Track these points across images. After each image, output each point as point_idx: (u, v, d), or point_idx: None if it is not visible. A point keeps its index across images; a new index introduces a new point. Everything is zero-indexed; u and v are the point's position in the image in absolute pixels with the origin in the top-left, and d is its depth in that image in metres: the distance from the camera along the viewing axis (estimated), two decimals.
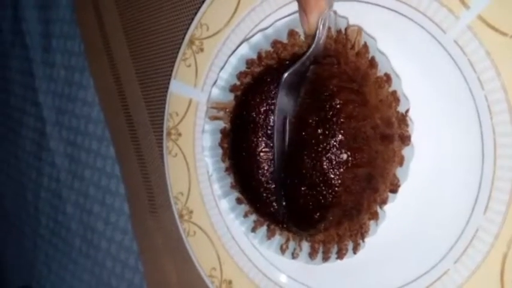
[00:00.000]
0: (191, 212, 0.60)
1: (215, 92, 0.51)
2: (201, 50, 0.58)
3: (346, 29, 0.43)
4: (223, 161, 0.53)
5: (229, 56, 0.51)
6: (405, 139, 0.42)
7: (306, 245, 0.48)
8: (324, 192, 0.43)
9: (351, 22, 0.44)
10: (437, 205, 0.44)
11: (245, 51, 0.50)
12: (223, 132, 0.53)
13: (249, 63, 0.50)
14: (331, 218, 0.44)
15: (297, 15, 0.46)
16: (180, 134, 0.61)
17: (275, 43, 0.48)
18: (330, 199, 0.42)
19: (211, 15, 0.56)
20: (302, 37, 0.46)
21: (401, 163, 0.42)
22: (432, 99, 0.43)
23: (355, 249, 0.44)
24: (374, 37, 0.44)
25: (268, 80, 0.47)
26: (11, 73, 0.99)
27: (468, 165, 0.42)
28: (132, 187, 0.74)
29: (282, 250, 0.49)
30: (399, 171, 0.42)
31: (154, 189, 0.70)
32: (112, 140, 0.76)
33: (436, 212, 0.44)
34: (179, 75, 0.60)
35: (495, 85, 0.40)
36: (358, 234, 0.45)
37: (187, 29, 0.58)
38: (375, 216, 0.44)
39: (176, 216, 0.61)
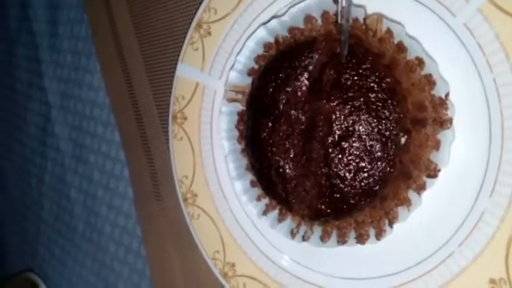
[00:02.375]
0: (195, 195, 0.60)
1: (233, 75, 0.51)
2: (209, 33, 0.58)
3: (364, 19, 0.43)
4: (239, 143, 0.53)
5: (247, 40, 0.51)
6: (444, 122, 0.42)
7: (317, 229, 0.48)
8: (361, 181, 0.43)
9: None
10: (442, 188, 0.44)
11: (263, 34, 0.50)
12: (240, 114, 0.53)
13: (267, 46, 0.50)
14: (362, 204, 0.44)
15: (311, 1, 0.45)
16: (185, 118, 0.61)
17: (292, 30, 0.48)
18: (367, 187, 0.43)
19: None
20: (319, 21, 0.46)
21: (437, 147, 0.42)
22: None
23: (379, 235, 0.44)
24: (400, 22, 0.43)
25: (286, 63, 0.46)
26: (17, 59, 0.99)
27: (474, 148, 0.42)
28: (136, 171, 0.74)
29: (293, 234, 0.49)
30: (436, 156, 0.42)
31: (159, 173, 0.70)
32: (117, 125, 0.76)
33: (440, 195, 0.44)
34: (186, 58, 0.60)
35: (504, 68, 0.40)
36: (383, 221, 0.45)
37: (195, 12, 0.58)
38: (405, 202, 0.43)
39: (180, 199, 0.61)
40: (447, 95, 0.42)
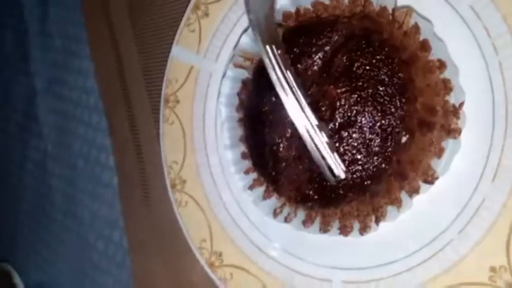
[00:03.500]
0: (184, 181, 0.58)
1: (244, 39, 0.49)
2: (206, 15, 0.57)
3: (393, 10, 0.42)
4: (237, 111, 0.51)
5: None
6: (452, 131, 0.41)
7: (301, 213, 0.47)
8: (353, 173, 0.41)
9: None
10: (442, 174, 0.42)
11: (284, 2, 0.47)
12: (244, 82, 0.51)
13: (286, 16, 0.47)
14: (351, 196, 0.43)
15: None
16: (178, 101, 0.59)
17: (316, 4, 0.46)
18: (358, 180, 0.41)
19: None
20: (346, 0, 0.45)
21: (439, 155, 0.41)
22: None
23: (362, 231, 0.43)
24: (430, 20, 0.42)
25: (302, 39, 0.44)
26: (5, 43, 0.97)
27: (478, 132, 0.41)
28: (122, 159, 0.71)
29: (275, 214, 0.48)
30: (436, 163, 0.41)
31: (146, 161, 0.68)
32: (105, 111, 0.74)
33: (440, 181, 0.42)
34: (182, 40, 0.58)
35: (510, 50, 0.39)
36: (370, 217, 0.43)
37: None
38: (396, 202, 0.42)
39: (168, 186, 0.59)
40: (461, 104, 0.41)
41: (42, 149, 0.86)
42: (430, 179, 0.41)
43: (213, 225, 0.56)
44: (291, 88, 0.40)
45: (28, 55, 0.88)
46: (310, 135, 0.40)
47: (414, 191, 0.41)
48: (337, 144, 0.41)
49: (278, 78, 0.40)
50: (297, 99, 0.40)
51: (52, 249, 0.85)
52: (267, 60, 0.41)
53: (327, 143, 0.40)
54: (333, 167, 0.40)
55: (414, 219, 0.43)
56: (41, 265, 0.88)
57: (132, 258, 0.69)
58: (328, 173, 0.40)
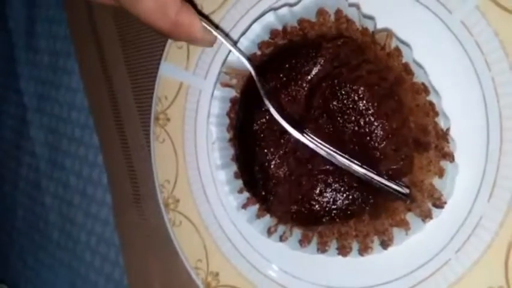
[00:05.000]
0: (177, 200, 0.57)
1: (232, 57, 0.48)
2: None
3: (373, 32, 0.41)
4: (228, 131, 0.50)
5: (253, 22, 0.48)
6: (446, 155, 0.40)
7: (297, 232, 0.46)
8: (334, 202, 0.42)
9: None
10: (448, 197, 0.41)
11: (271, 20, 0.46)
12: (232, 101, 0.50)
13: (274, 34, 0.47)
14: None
15: None
16: (168, 119, 0.58)
17: (302, 22, 0.45)
18: (337, 210, 0.42)
19: None
20: (332, 17, 0.44)
21: (440, 174, 0.40)
22: (436, 82, 0.41)
23: (363, 251, 0.42)
24: (409, 44, 0.42)
25: (289, 61, 0.43)
26: None
27: (472, 150, 0.40)
28: (115, 176, 0.70)
29: (270, 232, 0.47)
30: (439, 183, 0.40)
31: (139, 178, 0.67)
32: (96, 128, 0.73)
33: None
34: (170, 57, 0.57)
35: (503, 66, 0.38)
36: (370, 237, 0.43)
37: None
38: (402, 225, 0.41)
39: (161, 205, 0.58)
40: (448, 129, 0.40)
41: (35, 166, 0.85)
42: (439, 203, 0.40)
43: (208, 244, 0.55)
44: None
45: (16, 72, 0.86)
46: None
47: (426, 216, 0.40)
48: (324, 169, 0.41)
49: None
50: None
51: (47, 267, 0.84)
52: None
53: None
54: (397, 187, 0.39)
55: (411, 239, 0.42)
56: (36, 284, 0.87)
57: (128, 275, 0.69)
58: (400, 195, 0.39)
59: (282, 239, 0.47)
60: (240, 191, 0.49)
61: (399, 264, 0.43)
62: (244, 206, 0.49)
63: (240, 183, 0.49)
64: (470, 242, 0.40)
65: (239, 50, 0.46)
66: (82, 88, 0.75)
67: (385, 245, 0.42)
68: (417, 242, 0.42)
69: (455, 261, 0.41)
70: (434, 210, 0.40)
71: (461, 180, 0.40)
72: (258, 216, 0.48)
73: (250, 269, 0.52)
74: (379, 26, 0.43)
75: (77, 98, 0.76)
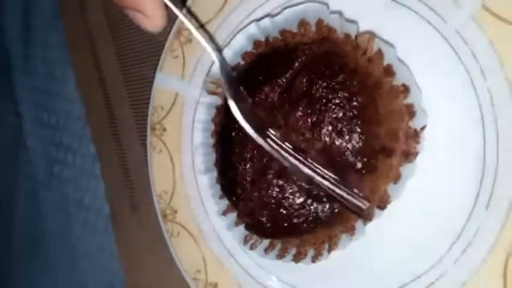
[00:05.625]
0: (175, 211, 0.57)
1: (215, 67, 0.48)
2: (189, 40, 0.56)
3: (356, 36, 0.41)
4: (212, 137, 0.51)
5: (237, 33, 0.48)
6: (410, 155, 0.40)
7: (265, 240, 0.47)
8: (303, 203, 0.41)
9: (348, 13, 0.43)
10: (436, 203, 0.42)
11: (254, 31, 0.47)
12: (218, 108, 0.50)
13: (256, 44, 0.47)
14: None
15: (308, 4, 0.43)
16: (165, 129, 0.58)
17: (283, 32, 0.45)
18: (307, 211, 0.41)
19: (201, 5, 0.54)
20: (313, 28, 0.44)
21: (396, 180, 0.40)
22: (431, 92, 0.41)
23: (315, 258, 0.43)
24: (393, 44, 0.42)
25: (265, 67, 0.44)
26: None
27: (469, 161, 0.40)
28: (112, 186, 0.70)
29: (246, 240, 0.48)
30: (392, 188, 0.40)
31: (136, 188, 0.67)
32: (92, 137, 0.73)
33: (434, 210, 0.42)
34: (165, 67, 0.57)
35: (499, 76, 0.38)
36: (323, 245, 0.43)
37: (175, 19, 0.56)
38: (350, 230, 0.41)
39: (159, 216, 0.58)
40: (423, 128, 0.40)
41: (32, 176, 0.84)
42: (383, 205, 0.40)
43: (206, 255, 0.55)
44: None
45: (12, 81, 0.86)
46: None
47: (368, 219, 0.40)
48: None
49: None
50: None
51: (45, 278, 0.84)
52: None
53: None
54: (358, 203, 0.39)
55: (409, 249, 0.42)
56: None
57: (127, 285, 0.68)
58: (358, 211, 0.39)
59: (251, 247, 0.47)
60: (221, 197, 0.49)
61: (398, 274, 0.43)
62: (224, 213, 0.49)
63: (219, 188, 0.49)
64: (468, 253, 0.40)
65: (212, 44, 0.46)
66: (78, 97, 0.74)
67: (330, 249, 0.42)
68: (415, 252, 0.42)
69: (453, 271, 0.40)
70: (377, 212, 0.40)
71: (458, 189, 0.40)
72: (237, 223, 0.48)
73: (250, 281, 0.52)
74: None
75: (74, 107, 0.76)
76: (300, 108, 0.40)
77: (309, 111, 0.40)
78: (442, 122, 0.41)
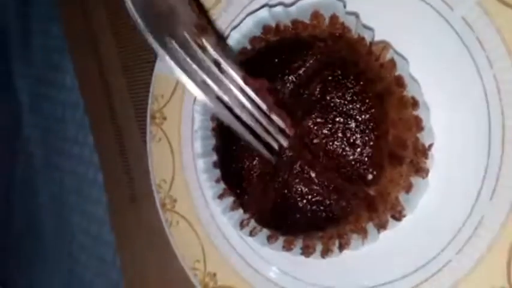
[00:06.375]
0: (175, 200, 0.57)
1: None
2: None
3: (370, 43, 0.41)
4: (211, 120, 0.50)
5: (247, 16, 0.47)
6: (420, 171, 0.40)
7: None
8: (312, 211, 0.40)
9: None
10: (439, 193, 0.41)
11: (264, 15, 0.46)
12: None
13: (266, 29, 0.46)
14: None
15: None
16: (165, 118, 0.57)
17: (295, 22, 0.44)
18: (314, 220, 0.41)
19: None
20: (327, 21, 0.43)
21: (408, 189, 0.40)
22: (437, 79, 0.41)
23: (324, 253, 0.43)
24: (406, 59, 0.41)
25: (278, 57, 0.42)
26: None
27: (474, 148, 0.39)
28: (111, 176, 0.69)
29: (242, 225, 0.47)
30: (405, 198, 0.40)
31: (135, 177, 0.66)
32: (91, 127, 0.72)
33: (437, 200, 0.41)
34: None
35: (505, 63, 0.38)
36: (332, 240, 0.43)
37: None
38: (362, 232, 0.41)
39: (158, 205, 0.57)
40: (430, 145, 0.40)
41: (30, 165, 0.84)
42: (398, 216, 0.40)
43: (205, 245, 0.54)
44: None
45: (11, 70, 0.85)
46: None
47: (382, 226, 0.41)
48: (301, 177, 0.40)
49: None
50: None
51: (43, 268, 0.83)
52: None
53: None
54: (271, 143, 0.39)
55: (411, 240, 0.42)
56: (31, 283, 0.86)
57: (125, 276, 0.68)
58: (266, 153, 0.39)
59: (252, 234, 0.47)
60: (217, 181, 0.49)
61: (400, 264, 0.43)
62: (220, 197, 0.49)
63: (217, 173, 0.49)
64: (471, 243, 0.39)
65: None
66: (77, 86, 0.74)
67: (341, 247, 0.42)
68: (418, 243, 0.42)
69: (456, 262, 0.40)
70: (391, 222, 0.40)
71: (462, 179, 0.40)
72: (233, 208, 0.48)
73: (248, 270, 0.51)
74: (379, 20, 0.42)
75: (72, 97, 0.75)
76: (313, 115, 0.39)
77: (322, 119, 0.39)
78: (447, 116, 0.41)
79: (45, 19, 0.79)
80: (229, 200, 0.48)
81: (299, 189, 0.41)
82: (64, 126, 0.77)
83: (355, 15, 0.41)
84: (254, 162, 0.43)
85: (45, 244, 0.83)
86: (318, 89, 0.40)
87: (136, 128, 0.65)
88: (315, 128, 0.39)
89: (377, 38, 0.42)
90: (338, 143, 0.39)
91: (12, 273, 0.91)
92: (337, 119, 0.39)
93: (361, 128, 0.38)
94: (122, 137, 0.67)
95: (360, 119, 0.38)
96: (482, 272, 0.39)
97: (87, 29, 0.71)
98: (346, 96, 0.38)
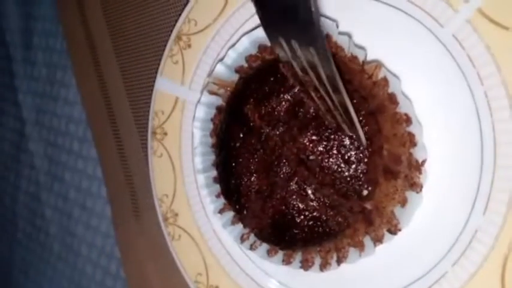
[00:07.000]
0: (176, 214, 0.58)
1: (220, 68, 0.49)
2: (189, 46, 0.56)
3: (363, 62, 0.42)
4: (211, 136, 0.51)
5: (243, 35, 0.49)
6: (415, 185, 0.41)
7: None
8: (308, 226, 0.42)
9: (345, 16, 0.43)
10: (434, 206, 0.42)
11: (261, 34, 0.46)
12: (218, 108, 0.50)
13: (261, 48, 0.47)
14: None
15: None
16: (165, 134, 0.58)
17: None
18: (310, 235, 0.42)
19: (200, 10, 0.54)
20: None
21: (402, 203, 0.41)
22: (428, 96, 0.42)
23: (323, 267, 0.44)
24: (398, 76, 0.42)
25: (275, 76, 0.43)
26: None
27: (466, 165, 0.40)
28: (114, 189, 0.71)
29: (242, 239, 0.48)
30: (399, 212, 0.41)
31: (138, 191, 0.67)
32: (94, 141, 0.73)
33: (432, 213, 0.42)
34: (165, 72, 0.57)
35: (495, 81, 0.39)
36: (330, 254, 0.44)
37: (174, 24, 0.56)
38: (359, 245, 0.42)
39: (160, 219, 0.58)
40: (424, 161, 0.41)
41: (34, 179, 0.85)
42: (393, 230, 0.41)
43: (207, 258, 0.55)
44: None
45: (14, 85, 0.87)
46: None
47: (378, 240, 0.42)
48: (298, 193, 0.42)
49: None
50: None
51: (48, 280, 0.85)
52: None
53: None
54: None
55: (408, 252, 0.43)
56: None
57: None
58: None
59: (252, 247, 0.48)
60: (218, 196, 0.50)
61: (397, 276, 0.44)
62: (221, 211, 0.50)
63: (217, 188, 0.50)
64: (466, 255, 0.40)
65: None
66: (79, 101, 0.75)
67: (339, 261, 0.43)
68: (414, 255, 0.43)
69: (451, 274, 0.41)
70: (387, 235, 0.41)
71: (457, 194, 0.41)
72: (233, 222, 0.49)
73: (250, 283, 0.52)
74: (371, 39, 0.43)
75: (75, 111, 0.76)
76: (309, 133, 0.40)
77: (317, 136, 0.40)
78: (438, 132, 0.42)
79: (47, 35, 0.80)
80: (230, 214, 0.49)
81: (296, 205, 0.42)
82: (67, 140, 0.78)
83: (348, 35, 0.42)
84: (252, 179, 0.44)
85: (50, 256, 0.84)
86: (312, 107, 0.41)
87: (139, 143, 0.66)
88: (311, 145, 0.40)
89: (369, 57, 0.42)
90: (333, 160, 0.40)
91: (17, 286, 0.92)
92: (332, 136, 0.40)
93: (356, 144, 0.39)
94: (124, 151, 0.68)
95: (354, 136, 0.39)
96: (478, 284, 0.39)
97: (88, 45, 0.72)
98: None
